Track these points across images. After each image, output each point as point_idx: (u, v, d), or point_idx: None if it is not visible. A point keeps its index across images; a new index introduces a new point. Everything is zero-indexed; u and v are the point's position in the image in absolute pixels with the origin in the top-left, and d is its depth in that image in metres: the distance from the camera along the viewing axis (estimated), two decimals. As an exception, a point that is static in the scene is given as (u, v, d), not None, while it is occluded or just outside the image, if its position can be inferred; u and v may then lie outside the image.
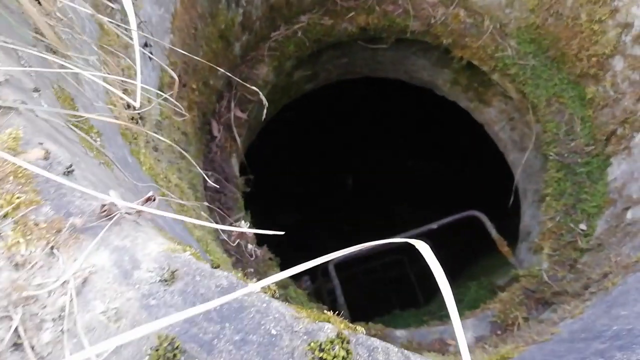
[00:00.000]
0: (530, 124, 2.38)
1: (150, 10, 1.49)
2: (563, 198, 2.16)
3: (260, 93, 1.41)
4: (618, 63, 2.00)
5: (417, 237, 3.22)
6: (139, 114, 1.27)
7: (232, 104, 2.22)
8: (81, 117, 0.87)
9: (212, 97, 2.15)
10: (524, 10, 2.26)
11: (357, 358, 0.51)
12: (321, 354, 0.50)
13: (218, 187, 2.10)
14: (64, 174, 0.61)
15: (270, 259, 2.08)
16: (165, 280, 0.54)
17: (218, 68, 1.70)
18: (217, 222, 2.12)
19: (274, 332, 0.52)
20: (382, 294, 5.08)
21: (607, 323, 1.44)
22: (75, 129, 0.83)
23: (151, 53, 1.47)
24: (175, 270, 0.55)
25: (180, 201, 1.35)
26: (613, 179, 2.07)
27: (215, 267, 0.58)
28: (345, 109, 5.01)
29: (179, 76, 1.71)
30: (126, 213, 0.59)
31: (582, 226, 2.12)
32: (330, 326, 0.54)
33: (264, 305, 0.55)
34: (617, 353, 1.15)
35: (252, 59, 2.32)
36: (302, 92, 3.08)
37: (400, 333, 1.99)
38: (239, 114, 2.24)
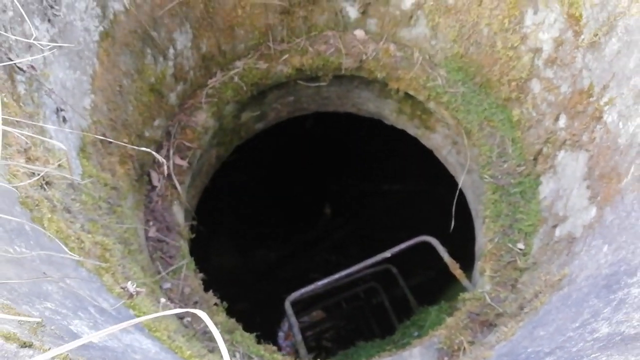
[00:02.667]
0: (465, 148, 2.45)
1: (63, 75, 1.55)
2: (500, 219, 2.21)
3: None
4: (535, 86, 2.08)
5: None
6: (44, 180, 1.30)
7: (171, 153, 2.27)
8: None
9: (150, 147, 2.19)
10: (447, 40, 2.36)
11: None
12: None
13: (160, 236, 2.13)
14: None
15: (215, 304, 2.09)
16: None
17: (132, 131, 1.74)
18: (159, 271, 2.14)
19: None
20: (364, 322, 5.05)
21: (526, 345, 1.46)
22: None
23: (64, 118, 1.51)
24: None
25: (96, 262, 1.37)
26: (544, 198, 2.12)
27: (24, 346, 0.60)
28: (315, 141, 5.07)
29: (103, 134, 1.76)
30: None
31: (520, 245, 2.16)
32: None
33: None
34: (516, 378, 1.17)
35: (190, 107, 2.38)
36: (253, 132, 3.14)
37: (348, 368, 1.99)
38: (179, 161, 2.28)
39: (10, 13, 1.30)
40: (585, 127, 1.78)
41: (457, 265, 2.62)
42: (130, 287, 1.07)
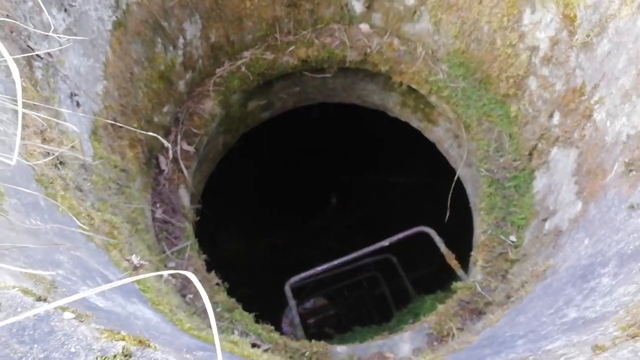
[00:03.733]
0: (465, 142, 2.51)
1: (77, 62, 1.65)
2: (494, 212, 2.28)
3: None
4: (532, 83, 2.14)
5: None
6: (58, 160, 1.40)
7: (179, 138, 2.36)
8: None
9: (159, 133, 2.29)
10: (449, 36, 2.41)
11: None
12: (106, 365, 0.62)
13: (166, 217, 2.23)
14: None
15: (217, 284, 2.20)
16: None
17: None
18: (163, 251, 2.25)
19: (73, 350, 0.64)
20: (365, 311, 5.15)
21: (506, 330, 1.54)
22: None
23: (77, 102, 1.61)
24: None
25: (104, 238, 1.47)
26: (537, 192, 2.18)
27: (39, 300, 0.70)
28: (321, 131, 5.14)
29: (114, 119, 1.86)
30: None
31: (512, 238, 2.23)
32: (123, 344, 0.66)
33: (72, 329, 0.67)
34: (488, 358, 1.25)
35: (198, 95, 2.47)
36: (259, 120, 3.23)
37: (341, 349, 2.09)
38: (186, 147, 2.38)
39: (30, 3, 1.40)
40: (576, 125, 1.84)
41: (453, 256, 2.70)
42: (135, 259, 1.17)
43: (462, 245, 2.96)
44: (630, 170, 1.43)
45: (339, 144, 5.11)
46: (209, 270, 2.28)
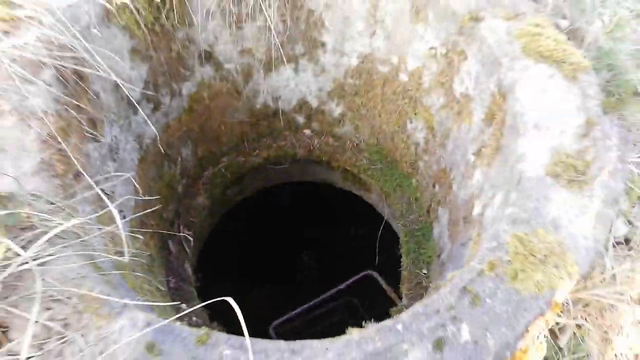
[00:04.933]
0: (385, 206, 3.51)
1: (120, 189, 2.55)
2: (410, 253, 3.24)
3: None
4: (421, 164, 3.17)
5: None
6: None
7: (181, 227, 3.25)
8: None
9: (167, 225, 3.18)
10: (366, 135, 3.46)
11: None
12: None
13: (177, 286, 3.07)
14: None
15: (218, 330, 3.01)
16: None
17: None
18: (177, 312, 3.05)
19: None
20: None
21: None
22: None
23: (124, 216, 2.50)
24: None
25: (151, 302, 2.32)
26: (435, 237, 3.16)
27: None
28: (288, 204, 6.08)
29: (141, 221, 2.75)
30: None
31: (424, 270, 3.17)
32: None
33: None
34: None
35: (192, 193, 3.39)
36: (235, 202, 4.16)
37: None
38: (186, 232, 3.26)
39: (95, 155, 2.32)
40: (446, 192, 2.86)
41: (392, 290, 3.61)
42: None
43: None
44: (465, 222, 2.42)
45: (303, 212, 6.04)
46: (211, 321, 3.09)
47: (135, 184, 2.66)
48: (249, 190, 4.15)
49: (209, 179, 3.47)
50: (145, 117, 2.51)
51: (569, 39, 2.09)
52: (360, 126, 3.39)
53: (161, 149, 2.88)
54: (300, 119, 3.48)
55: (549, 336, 1.95)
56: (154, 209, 2.81)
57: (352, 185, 4.21)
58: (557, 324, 1.98)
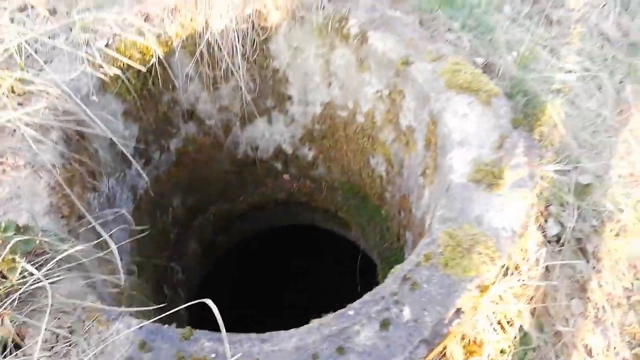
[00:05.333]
0: (362, 239, 3.83)
1: (117, 235, 2.88)
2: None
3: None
4: (387, 195, 3.53)
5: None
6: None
7: (174, 272, 3.54)
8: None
9: (161, 270, 3.47)
10: (338, 174, 3.84)
11: None
12: None
13: (173, 325, 3.30)
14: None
15: None
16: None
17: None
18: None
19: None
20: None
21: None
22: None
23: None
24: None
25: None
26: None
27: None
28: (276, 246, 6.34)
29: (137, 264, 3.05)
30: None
31: (400, 293, 3.43)
32: None
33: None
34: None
35: (184, 240, 3.71)
36: (227, 248, 4.46)
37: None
38: (180, 276, 3.55)
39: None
40: (408, 217, 3.19)
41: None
42: None
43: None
44: (421, 238, 2.74)
45: (291, 253, 6.30)
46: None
47: (129, 227, 2.99)
48: (237, 236, 4.46)
49: (198, 226, 3.80)
50: (140, 170, 2.90)
51: (484, 72, 2.53)
52: (332, 167, 3.78)
53: (153, 199, 3.24)
54: (278, 165, 3.88)
55: (500, 328, 2.22)
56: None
57: (333, 225, 4.53)
58: (505, 316, 2.25)
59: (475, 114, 2.30)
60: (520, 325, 2.24)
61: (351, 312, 1.77)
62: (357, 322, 1.74)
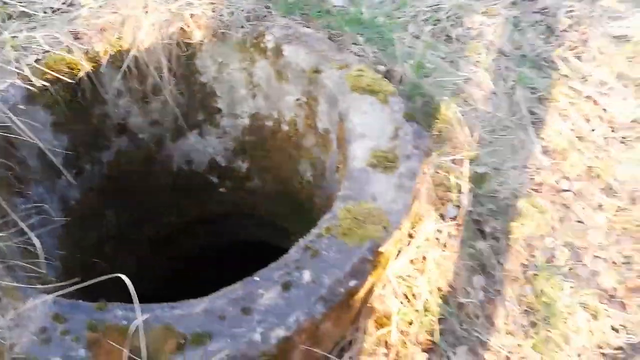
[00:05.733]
0: None
1: (47, 241, 2.94)
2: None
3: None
4: (317, 199, 3.75)
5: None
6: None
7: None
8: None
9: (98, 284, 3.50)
10: (273, 183, 4.05)
11: None
12: None
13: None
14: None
15: None
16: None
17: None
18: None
19: None
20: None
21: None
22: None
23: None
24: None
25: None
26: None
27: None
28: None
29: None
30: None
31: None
32: None
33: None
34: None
35: (121, 256, 3.77)
36: (169, 266, 4.51)
37: None
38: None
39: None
40: None
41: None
42: None
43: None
44: None
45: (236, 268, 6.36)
46: None
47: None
48: (179, 253, 4.53)
49: (135, 241, 3.88)
50: (70, 179, 3.01)
51: (386, 77, 2.87)
52: (266, 177, 4.00)
53: (85, 211, 3.33)
54: (214, 179, 4.06)
55: (407, 301, 2.44)
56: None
57: (279, 239, 4.69)
58: (411, 289, 2.47)
59: (375, 111, 2.60)
60: (426, 299, 2.46)
61: (257, 278, 1.95)
62: (261, 286, 1.92)
